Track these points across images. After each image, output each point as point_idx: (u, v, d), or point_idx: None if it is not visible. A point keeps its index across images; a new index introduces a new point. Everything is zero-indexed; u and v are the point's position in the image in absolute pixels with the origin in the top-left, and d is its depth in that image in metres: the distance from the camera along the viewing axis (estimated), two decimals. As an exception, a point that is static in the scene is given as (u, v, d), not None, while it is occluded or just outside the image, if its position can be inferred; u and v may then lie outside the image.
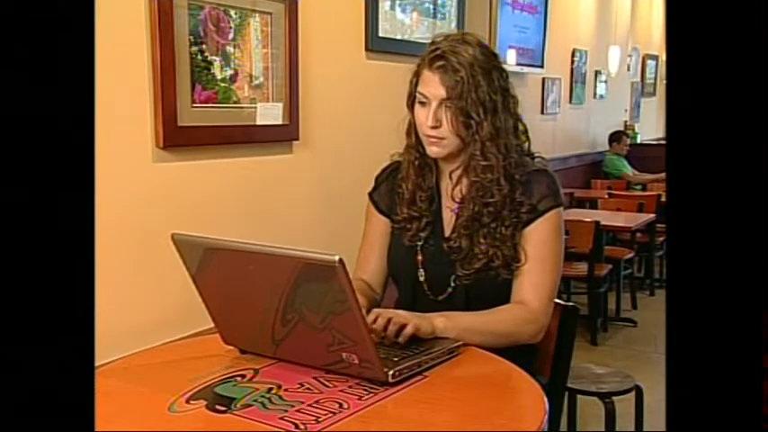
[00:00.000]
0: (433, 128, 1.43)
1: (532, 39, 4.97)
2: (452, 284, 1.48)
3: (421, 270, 1.51)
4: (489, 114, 1.42)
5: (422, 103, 1.45)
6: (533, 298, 1.43)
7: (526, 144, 1.52)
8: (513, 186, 1.45)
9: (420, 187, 1.53)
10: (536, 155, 1.54)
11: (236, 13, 1.97)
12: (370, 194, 1.64)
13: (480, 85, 1.40)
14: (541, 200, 1.46)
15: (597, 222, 3.88)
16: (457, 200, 1.50)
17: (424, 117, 1.45)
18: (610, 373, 2.48)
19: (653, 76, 8.59)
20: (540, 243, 1.45)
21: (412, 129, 1.52)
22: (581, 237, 3.87)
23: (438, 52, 1.42)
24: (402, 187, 1.55)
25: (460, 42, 1.43)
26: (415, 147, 1.53)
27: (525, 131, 1.52)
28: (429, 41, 1.49)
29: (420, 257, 1.52)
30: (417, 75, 1.47)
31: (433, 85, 1.42)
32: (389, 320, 1.30)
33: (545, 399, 1.13)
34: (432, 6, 2.86)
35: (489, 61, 1.44)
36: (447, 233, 1.51)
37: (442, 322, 1.35)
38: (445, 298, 1.49)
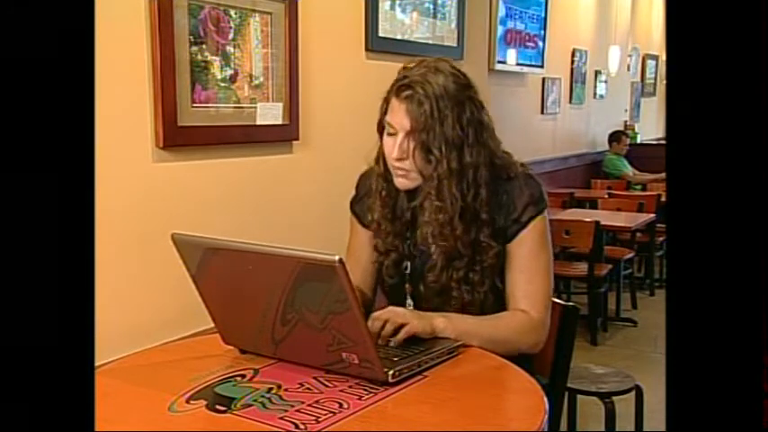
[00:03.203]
0: (399, 159, 1.39)
1: (532, 38, 4.97)
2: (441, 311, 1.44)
3: (409, 300, 1.51)
4: (455, 150, 1.36)
5: (390, 134, 1.41)
6: (530, 308, 1.42)
7: (507, 160, 1.46)
8: (478, 225, 1.39)
9: (388, 218, 1.48)
10: (518, 164, 1.47)
11: (236, 13, 1.97)
12: (352, 206, 1.61)
13: (446, 119, 1.34)
14: (524, 211, 1.42)
15: (597, 222, 3.88)
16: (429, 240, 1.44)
17: (390, 147, 1.40)
18: (610, 373, 2.48)
19: (653, 76, 8.59)
20: (527, 255, 1.43)
21: (381, 156, 1.48)
22: (581, 237, 3.88)
23: (406, 81, 1.37)
24: (370, 218, 1.52)
25: (432, 71, 1.37)
26: (383, 175, 1.48)
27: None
28: (402, 67, 1.43)
29: (408, 287, 1.50)
30: (387, 102, 1.42)
31: (400, 116, 1.37)
32: (386, 321, 1.30)
33: (545, 399, 1.13)
34: (432, 6, 2.86)
35: (462, 92, 1.38)
36: (428, 269, 1.45)
37: (442, 322, 1.34)
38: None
